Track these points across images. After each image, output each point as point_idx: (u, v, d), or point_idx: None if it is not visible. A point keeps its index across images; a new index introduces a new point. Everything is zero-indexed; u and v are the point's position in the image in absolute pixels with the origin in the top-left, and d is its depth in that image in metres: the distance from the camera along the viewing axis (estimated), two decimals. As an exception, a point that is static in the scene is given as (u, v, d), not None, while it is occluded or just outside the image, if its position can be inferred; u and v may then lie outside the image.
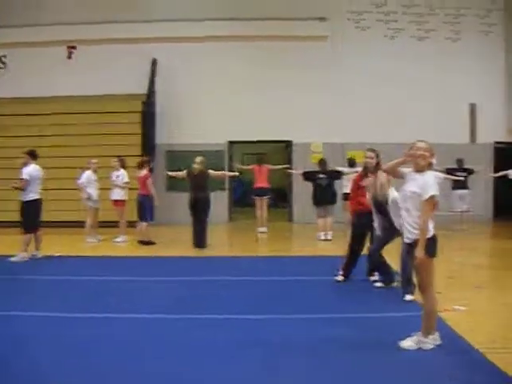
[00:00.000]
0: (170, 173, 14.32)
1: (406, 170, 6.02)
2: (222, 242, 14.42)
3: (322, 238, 14.25)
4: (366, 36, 18.40)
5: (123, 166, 14.22)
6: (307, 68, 18.11)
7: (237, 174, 16.24)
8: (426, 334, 5.68)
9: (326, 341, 5.99)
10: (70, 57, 18.18)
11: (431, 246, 5.52)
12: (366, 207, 8.52)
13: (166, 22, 17.80)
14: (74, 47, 17.99)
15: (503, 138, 18.63)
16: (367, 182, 8.63)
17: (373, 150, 8.79)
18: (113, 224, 14.56)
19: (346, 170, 14.81)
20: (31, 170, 11.06)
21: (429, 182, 5.57)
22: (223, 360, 5.44)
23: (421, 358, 5.45)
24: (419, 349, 5.63)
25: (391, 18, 18.48)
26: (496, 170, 18.20)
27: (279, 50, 18.18)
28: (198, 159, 12.97)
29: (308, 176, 14.43)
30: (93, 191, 13.89)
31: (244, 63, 18.12)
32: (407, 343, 5.68)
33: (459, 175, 15.33)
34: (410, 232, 5.64)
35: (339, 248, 11.78)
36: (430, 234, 5.54)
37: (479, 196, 17.65)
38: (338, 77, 17.97)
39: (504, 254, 12.90)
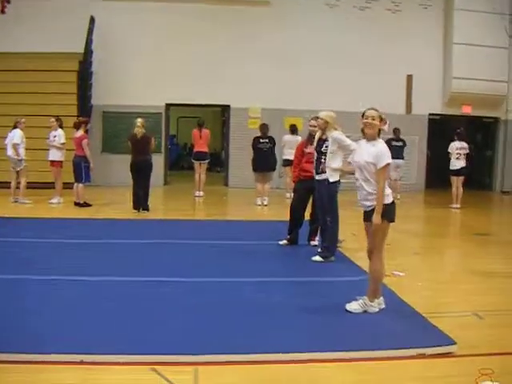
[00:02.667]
0: None
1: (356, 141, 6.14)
2: (159, 205, 14.28)
3: (259, 203, 14.32)
4: (306, 3, 18.32)
5: (60, 126, 13.85)
6: (249, 33, 17.97)
7: None
8: (373, 297, 5.81)
9: (272, 303, 6.06)
10: (3, 11, 17.38)
11: (391, 211, 5.64)
12: (310, 173, 8.62)
13: (106, -22, 17.31)
14: (7, 1, 17.21)
15: (438, 110, 19.05)
16: (311, 149, 8.73)
17: (317, 118, 8.89)
18: (48, 185, 14.25)
19: (287, 136, 14.86)
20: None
21: (382, 150, 5.65)
22: (177, 322, 5.43)
23: (366, 321, 5.57)
24: (365, 312, 5.75)
25: (333, -14, 18.50)
26: (430, 141, 18.73)
27: (221, 12, 17.91)
28: (139, 121, 12.66)
29: (252, 142, 14.40)
30: (20, 151, 13.50)
31: (185, 25, 17.76)
32: (353, 306, 5.79)
33: (395, 145, 15.59)
34: (368, 200, 5.70)
35: (277, 213, 11.96)
36: (390, 199, 5.65)
37: (413, 166, 18.07)
38: (278, 43, 17.86)
39: (437, 221, 13.38)
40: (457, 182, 14.96)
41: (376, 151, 5.63)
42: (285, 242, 9.16)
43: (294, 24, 18.05)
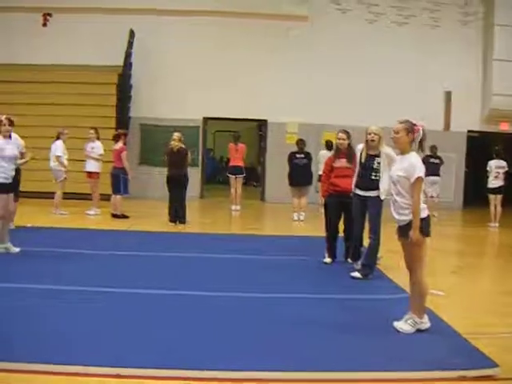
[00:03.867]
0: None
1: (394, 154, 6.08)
2: (195, 218, 14.35)
3: (296, 218, 14.30)
4: (346, 18, 18.36)
5: (98, 138, 14.03)
6: (287, 47, 18.06)
7: None
8: (421, 313, 5.71)
9: (312, 320, 6.01)
10: (45, 24, 17.76)
11: (425, 225, 5.56)
12: (340, 188, 8.63)
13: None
14: (49, 14, 17.58)
15: (476, 126, 18.84)
16: (340, 163, 8.73)
17: (344, 132, 8.91)
18: (84, 196, 14.41)
19: (323, 152, 14.84)
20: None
21: (413, 163, 5.58)
22: (212, 337, 5.41)
23: (406, 341, 5.49)
24: (418, 330, 5.66)
25: (372, 1, 18.46)
26: (468, 158, 18.51)
27: (259, 27, 18.03)
28: (176, 135, 12.81)
29: (288, 157, 14.44)
30: (65, 162, 13.67)
31: (222, 39, 17.95)
32: (404, 327, 5.68)
33: (432, 162, 15.45)
34: (401, 214, 5.64)
35: (314, 228, 11.89)
36: (425, 214, 5.58)
37: (450, 183, 17.87)
38: (317, 58, 17.94)
39: (475, 240, 13.18)
40: (495, 201, 14.78)
41: (407, 165, 5.58)
42: (329, 260, 9.09)
43: (333, 39, 18.10)
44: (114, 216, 13.35)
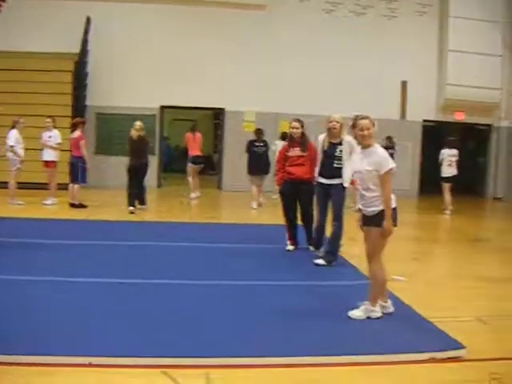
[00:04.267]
0: None
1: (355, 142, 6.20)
2: (154, 207, 14.26)
3: (255, 206, 14.36)
4: (304, 7, 18.41)
5: (55, 127, 13.79)
6: (243, 36, 18.00)
7: None
8: (374, 302, 5.79)
9: (276, 307, 6.06)
10: (-1, 10, 17.33)
11: (394, 215, 5.66)
12: (294, 176, 8.77)
13: (101, -21, 17.29)
14: (3, 0, 17.12)
15: (432, 116, 19.16)
16: (294, 151, 8.84)
17: (298, 120, 8.99)
18: (41, 186, 14.16)
19: (278, 142, 14.92)
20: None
21: (382, 156, 5.64)
22: (183, 325, 5.41)
23: (373, 325, 5.58)
24: (368, 318, 5.74)
25: (330, -9, 18.58)
26: (423, 147, 18.80)
27: (216, 15, 17.95)
28: (137, 125, 12.74)
29: (246, 145, 14.55)
30: (20, 151, 13.40)
31: (180, 27, 17.82)
32: (356, 313, 5.75)
33: (390, 153, 15.63)
34: (371, 206, 5.71)
35: (273, 217, 11.93)
36: (394, 204, 5.65)
37: (406, 172, 18.11)
38: (274, 47, 17.95)
39: (432, 227, 13.43)
40: (447, 189, 15.08)
41: (377, 158, 5.62)
42: (291, 247, 9.14)
43: (290, 28, 18.09)
44: (72, 205, 13.16)
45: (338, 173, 8.18)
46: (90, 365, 4.44)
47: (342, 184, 8.14)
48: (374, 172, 5.60)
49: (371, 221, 5.71)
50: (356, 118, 5.79)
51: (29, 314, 5.47)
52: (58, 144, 13.58)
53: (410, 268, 8.45)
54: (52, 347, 4.64)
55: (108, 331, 5.10)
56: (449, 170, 15.08)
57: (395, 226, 5.67)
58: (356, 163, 5.87)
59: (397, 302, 6.16)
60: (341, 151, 8.16)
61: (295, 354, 4.76)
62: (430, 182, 18.36)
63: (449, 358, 4.83)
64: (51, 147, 13.55)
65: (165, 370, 4.40)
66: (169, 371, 4.39)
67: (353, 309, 5.81)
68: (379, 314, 5.78)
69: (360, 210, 5.87)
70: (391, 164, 5.60)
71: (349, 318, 5.72)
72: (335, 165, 8.21)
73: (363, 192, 5.73)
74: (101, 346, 4.73)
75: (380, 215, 5.62)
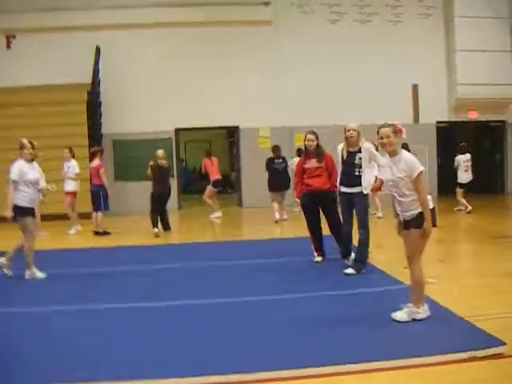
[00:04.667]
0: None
1: (382, 158, 6.27)
2: (178, 229, 14.38)
3: (278, 217, 14.40)
4: (309, 20, 18.56)
5: (73, 157, 13.96)
6: (252, 53, 18.22)
7: None
8: (418, 304, 5.82)
9: (316, 318, 6.09)
10: (8, 46, 17.63)
11: (433, 216, 5.80)
12: (313, 187, 8.83)
13: (107, 9, 17.53)
14: (13, 36, 17.45)
15: (445, 117, 19.17)
16: (310, 163, 8.90)
17: (313, 133, 9.04)
18: (65, 216, 14.28)
19: (295, 159, 15.00)
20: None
21: (410, 161, 5.70)
22: (219, 341, 5.46)
23: (413, 329, 5.60)
24: (413, 320, 5.76)
25: (334, 1, 18.69)
26: (439, 149, 18.79)
27: (224, 35, 18.15)
28: (160, 153, 13.13)
29: (266, 163, 14.70)
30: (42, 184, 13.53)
31: (188, 49, 18.00)
32: (400, 315, 5.79)
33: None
34: (408, 211, 5.77)
35: (296, 230, 11.97)
36: (431, 205, 5.77)
37: (424, 175, 18.03)
38: (282, 61, 18.14)
39: (454, 228, 13.38)
40: (462, 194, 15.31)
41: (405, 164, 5.69)
42: (319, 258, 9.17)
43: (297, 41, 18.30)
44: (96, 233, 13.29)
45: (358, 181, 8.22)
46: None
47: (362, 191, 8.19)
48: (406, 178, 5.67)
49: (411, 224, 5.78)
50: (381, 127, 5.88)
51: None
52: (77, 174, 13.72)
53: (438, 270, 8.44)
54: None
55: (146, 352, 5.17)
56: (465, 175, 15.24)
57: (435, 226, 5.74)
58: (386, 172, 5.94)
59: (432, 303, 6.16)
60: (360, 159, 8.21)
61: (334, 363, 4.79)
62: (446, 183, 18.35)
63: (490, 356, 4.85)
64: (71, 178, 13.69)
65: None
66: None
67: (395, 311, 5.85)
68: (423, 316, 5.80)
69: (398, 215, 5.93)
70: (420, 167, 5.67)
71: (393, 320, 5.76)
72: (356, 173, 8.26)
73: (400, 199, 5.80)
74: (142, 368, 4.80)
75: (419, 217, 5.70)
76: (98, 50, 17.35)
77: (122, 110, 17.74)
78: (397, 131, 5.82)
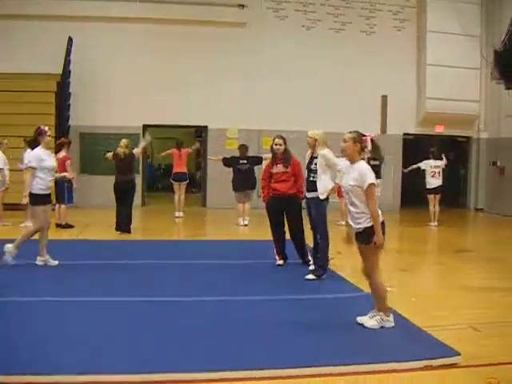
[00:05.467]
0: (108, 154, 13.23)
1: (342, 162, 6.34)
2: (140, 225, 14.27)
3: (241, 223, 14.38)
4: (284, 25, 18.62)
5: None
6: (224, 54, 18.05)
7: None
8: (386, 312, 5.90)
9: (274, 321, 6.14)
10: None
11: (383, 229, 5.77)
12: (279, 191, 8.95)
13: (83, 0, 17.34)
14: (-16, 22, 17.16)
15: (412, 129, 19.42)
16: (277, 168, 9.01)
17: (281, 137, 9.14)
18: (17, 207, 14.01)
19: (266, 155, 14.99)
20: None
21: (362, 171, 5.74)
22: (180, 341, 5.46)
23: (369, 335, 5.68)
24: (382, 327, 5.83)
25: (309, 8, 18.79)
26: (404, 161, 18.99)
27: (198, 34, 18.01)
28: (124, 142, 12.79)
29: (228, 162, 14.50)
30: (6, 173, 13.42)
31: (160, 47, 17.85)
32: (371, 322, 5.86)
33: (373, 164, 15.77)
34: (357, 222, 5.83)
35: (259, 233, 12.02)
36: (381, 218, 5.77)
37: (389, 185, 18.27)
38: (255, 64, 18.06)
39: (417, 239, 13.59)
40: (433, 200, 15.23)
41: (357, 174, 5.75)
42: (281, 262, 9.23)
43: (271, 45, 18.22)
44: (59, 226, 13.12)
45: (313, 186, 8.34)
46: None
47: (318, 197, 8.27)
48: (357, 188, 5.72)
49: (360, 238, 5.84)
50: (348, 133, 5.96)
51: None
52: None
53: (398, 279, 8.56)
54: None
55: (113, 347, 5.15)
56: (433, 180, 15.24)
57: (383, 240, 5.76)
58: (344, 177, 6.00)
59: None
60: (315, 164, 8.33)
61: (289, 366, 4.85)
62: (411, 194, 18.60)
63: (445, 365, 4.94)
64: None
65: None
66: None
67: (361, 315, 5.95)
68: (392, 324, 5.89)
69: (349, 224, 5.99)
70: (371, 179, 5.69)
71: (358, 324, 5.87)
72: (310, 178, 8.44)
73: (350, 207, 5.87)
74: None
75: (367, 232, 5.74)
76: (70, 41, 17.12)
77: (91, 103, 17.48)
78: (359, 139, 5.86)
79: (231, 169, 14.48)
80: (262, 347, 5.31)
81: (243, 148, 14.61)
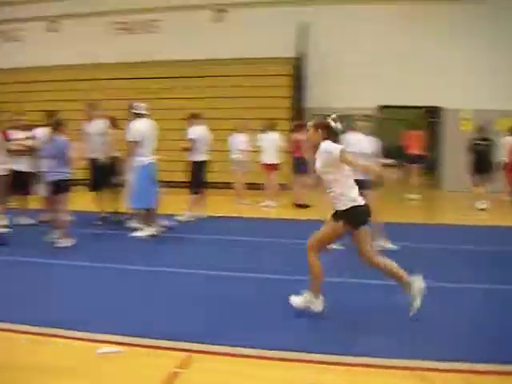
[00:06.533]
0: None
1: None
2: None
3: (480, 206, 13.62)
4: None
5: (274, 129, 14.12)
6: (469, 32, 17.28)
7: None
8: (316, 295, 5.70)
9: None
10: (220, 20, 18.38)
11: (360, 215, 5.58)
12: None
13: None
14: (225, 10, 18.14)
15: None
16: None
17: None
18: (257, 187, 14.60)
19: (508, 138, 14.12)
20: (197, 130, 11.30)
21: (326, 148, 5.52)
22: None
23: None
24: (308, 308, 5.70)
25: None
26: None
27: (432, 12, 17.45)
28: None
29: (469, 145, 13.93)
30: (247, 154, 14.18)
31: (394, 27, 17.59)
32: (297, 301, 5.74)
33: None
34: (339, 203, 5.60)
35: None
36: (362, 202, 5.58)
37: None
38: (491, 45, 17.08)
39: None
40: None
41: (323, 151, 5.59)
42: None
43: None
44: (298, 206, 13.40)
45: None
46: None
47: None
48: (327, 168, 5.56)
49: (348, 223, 5.57)
50: None
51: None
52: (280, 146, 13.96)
53: None
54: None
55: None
56: None
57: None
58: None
59: None
60: None
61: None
62: None
63: None
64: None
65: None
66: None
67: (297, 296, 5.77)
68: (320, 308, 5.70)
69: None
70: (337, 148, 5.44)
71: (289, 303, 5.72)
72: None
73: (328, 191, 5.69)
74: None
75: (351, 213, 5.55)
76: (306, 25, 17.41)
77: (325, 85, 17.65)
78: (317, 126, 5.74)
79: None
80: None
81: (482, 129, 13.96)
